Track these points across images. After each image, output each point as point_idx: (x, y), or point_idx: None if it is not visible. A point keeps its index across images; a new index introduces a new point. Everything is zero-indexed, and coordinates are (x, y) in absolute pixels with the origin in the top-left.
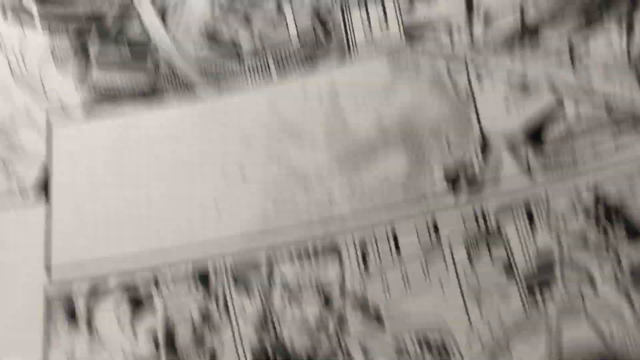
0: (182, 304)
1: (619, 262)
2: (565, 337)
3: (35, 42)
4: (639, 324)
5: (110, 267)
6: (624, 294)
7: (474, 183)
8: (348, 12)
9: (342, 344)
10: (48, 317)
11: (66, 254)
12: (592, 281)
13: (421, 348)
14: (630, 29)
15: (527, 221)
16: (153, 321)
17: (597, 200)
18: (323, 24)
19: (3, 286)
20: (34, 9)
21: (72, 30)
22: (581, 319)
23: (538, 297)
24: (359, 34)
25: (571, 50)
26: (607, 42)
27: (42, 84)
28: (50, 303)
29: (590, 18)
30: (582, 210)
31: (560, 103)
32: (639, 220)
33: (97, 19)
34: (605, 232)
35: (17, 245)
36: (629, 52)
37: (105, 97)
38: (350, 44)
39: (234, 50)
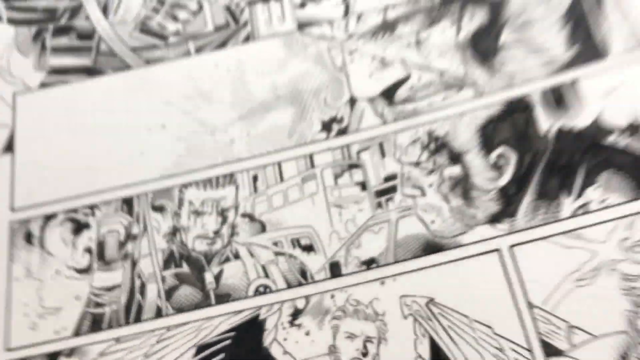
0: (110, 225)
1: (441, 176)
2: (400, 229)
3: (1, 32)
4: (453, 215)
5: (58, 206)
6: (443, 197)
7: (342, 129)
8: (254, 9)
9: (232, 245)
10: (10, 242)
11: (25, 197)
12: (422, 190)
13: (293, 245)
14: (458, 27)
15: (379, 153)
16: (88, 239)
17: (430, 136)
18: (233, 16)
19: None
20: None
21: (32, 22)
22: (412, 215)
23: (383, 203)
24: (261, 23)
25: (417, 38)
26: (442, 34)
27: (8, 65)
28: (12, 232)
29: (432, 21)
30: (418, 143)
31: (408, 73)
32: (457, 149)
33: (51, 13)
34: (434, 158)
35: None
36: (456, 41)
37: (57, 73)
38: (254, 30)
39: (161, 34)
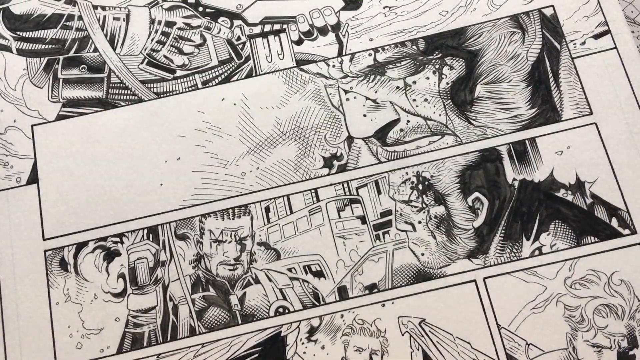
0: (139, 253)
1: (429, 214)
2: (395, 259)
3: (13, 64)
4: (438, 249)
5: (87, 235)
6: (431, 233)
7: (342, 166)
8: (255, 44)
9: (252, 271)
10: (47, 268)
11: (56, 226)
12: (413, 225)
13: (305, 271)
14: (440, 76)
15: (375, 190)
16: (120, 266)
17: (418, 177)
18: (236, 51)
19: (17, 246)
20: (9, 37)
21: (41, 54)
22: (406, 247)
23: (381, 236)
24: (262, 59)
25: (405, 84)
26: (426, 81)
27: (23, 97)
28: (47, 258)
29: (417, 69)
30: (409, 183)
31: (397, 116)
32: (441, 191)
33: (60, 44)
34: (422, 197)
35: (18, 217)
36: (439, 89)
37: (71, 104)
38: (256, 65)
39: (168, 67)
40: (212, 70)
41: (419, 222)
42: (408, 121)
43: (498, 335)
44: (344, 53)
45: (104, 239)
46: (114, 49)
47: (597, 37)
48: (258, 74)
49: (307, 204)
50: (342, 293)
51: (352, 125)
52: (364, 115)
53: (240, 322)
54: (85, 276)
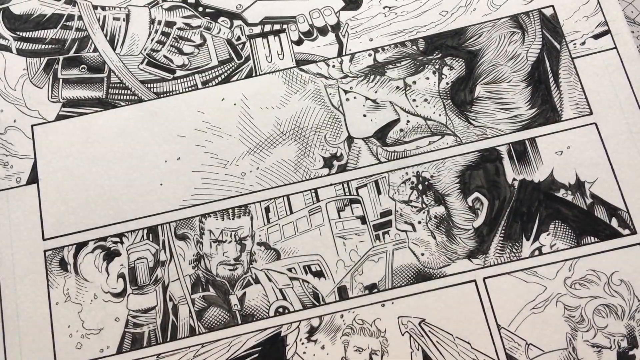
0: (139, 253)
1: (428, 214)
2: (395, 259)
3: (13, 64)
4: (438, 249)
5: (87, 235)
6: (430, 233)
7: (342, 166)
8: (254, 44)
9: (252, 271)
10: (47, 268)
11: (56, 226)
12: (413, 226)
13: (305, 271)
14: (440, 76)
15: (375, 190)
16: (120, 266)
17: (418, 178)
18: (236, 51)
19: (17, 246)
20: (9, 37)
21: (41, 54)
22: (405, 248)
23: (380, 236)
24: (262, 59)
25: (405, 84)
26: (426, 82)
27: (23, 97)
28: (47, 258)
29: (417, 69)
30: (408, 183)
31: (397, 117)
32: (441, 191)
33: (60, 44)
34: (422, 197)
35: (18, 217)
36: (438, 89)
37: (71, 104)
38: (256, 65)
39: (168, 67)
40: (212, 71)
41: (419, 222)
42: (408, 121)
43: (498, 335)
44: (343, 53)
45: (104, 239)
46: (114, 49)
47: (597, 37)
48: (258, 74)
49: (307, 204)
50: (342, 293)
51: (352, 125)
52: (364, 116)
53: (240, 322)
54: (85, 276)
